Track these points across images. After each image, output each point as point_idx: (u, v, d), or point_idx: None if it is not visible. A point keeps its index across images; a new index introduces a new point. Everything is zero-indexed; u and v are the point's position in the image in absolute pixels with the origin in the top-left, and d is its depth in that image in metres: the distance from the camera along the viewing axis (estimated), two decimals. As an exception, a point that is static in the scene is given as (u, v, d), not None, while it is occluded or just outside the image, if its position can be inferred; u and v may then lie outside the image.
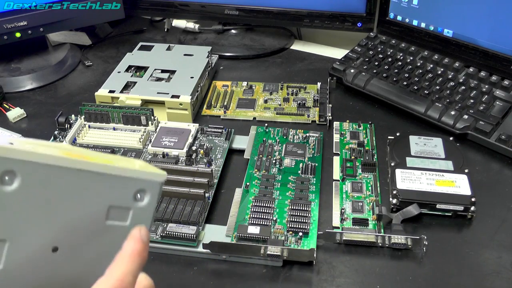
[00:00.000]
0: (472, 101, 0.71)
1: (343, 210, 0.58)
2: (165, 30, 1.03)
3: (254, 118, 0.75)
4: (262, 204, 0.57)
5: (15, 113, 0.76)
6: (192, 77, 0.76)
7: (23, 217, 0.27)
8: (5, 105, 0.77)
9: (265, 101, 0.77)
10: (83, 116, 0.70)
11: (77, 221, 0.29)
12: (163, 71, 0.79)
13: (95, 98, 0.74)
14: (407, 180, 0.59)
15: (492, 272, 0.52)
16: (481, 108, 0.70)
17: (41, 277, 0.30)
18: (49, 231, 0.29)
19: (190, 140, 0.66)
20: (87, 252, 0.31)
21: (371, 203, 0.58)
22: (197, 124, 0.69)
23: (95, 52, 0.95)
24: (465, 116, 0.69)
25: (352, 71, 0.79)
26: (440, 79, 0.76)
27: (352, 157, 0.65)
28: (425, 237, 0.52)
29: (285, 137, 0.69)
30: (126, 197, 0.31)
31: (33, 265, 0.29)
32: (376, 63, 0.80)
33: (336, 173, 0.63)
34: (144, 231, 0.32)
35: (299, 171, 0.63)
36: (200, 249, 0.53)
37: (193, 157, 0.64)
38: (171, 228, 0.54)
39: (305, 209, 0.56)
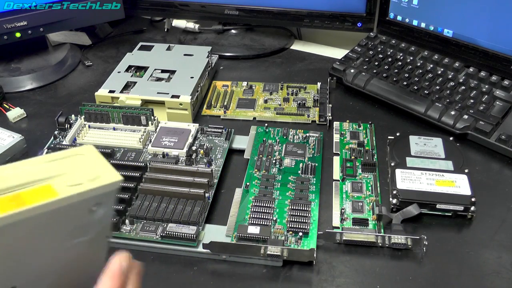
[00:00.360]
0: (472, 101, 0.71)
1: (343, 210, 0.58)
2: (165, 30, 1.03)
3: (254, 118, 0.75)
4: (262, 204, 0.57)
5: (15, 113, 0.76)
6: (192, 77, 0.76)
7: None
8: (5, 105, 0.77)
9: (265, 101, 0.77)
10: (83, 116, 0.70)
11: (32, 259, 0.27)
12: (163, 71, 0.79)
13: (95, 98, 0.74)
14: (407, 180, 0.59)
15: (492, 272, 0.52)
16: (481, 108, 0.70)
17: None
18: (4, 277, 0.26)
19: (190, 140, 0.66)
20: (51, 281, 0.29)
21: (371, 203, 0.58)
22: (197, 124, 0.69)
23: (95, 52, 0.95)
24: (465, 116, 0.69)
25: (352, 71, 0.79)
26: (440, 79, 0.76)
27: (352, 157, 0.65)
28: (425, 237, 0.52)
29: (285, 137, 0.69)
30: (81, 218, 0.28)
31: None
32: (376, 63, 0.80)
33: (336, 173, 0.63)
34: (124, 260, 0.29)
35: (299, 171, 0.63)
36: (200, 249, 0.53)
37: (193, 157, 0.64)
38: (171, 228, 0.54)
39: (305, 209, 0.56)
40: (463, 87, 0.74)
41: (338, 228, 0.56)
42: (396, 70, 0.78)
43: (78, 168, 0.27)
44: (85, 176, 0.27)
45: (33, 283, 0.28)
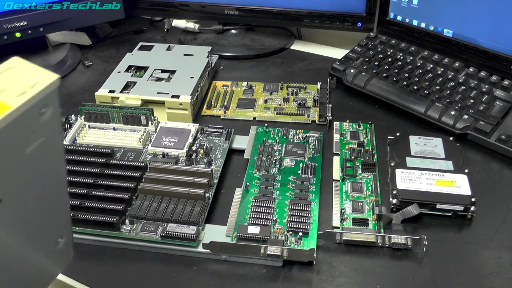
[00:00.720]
0: (472, 101, 0.71)
1: (343, 210, 0.58)
2: (165, 30, 1.03)
3: (254, 118, 0.75)
4: (262, 204, 0.57)
5: (15, 113, 0.75)
6: (192, 77, 0.76)
7: None
8: (5, 105, 0.77)
9: (265, 101, 0.77)
10: (83, 116, 0.70)
11: (5, 169, 0.29)
12: (163, 71, 0.79)
13: (95, 98, 0.74)
14: (407, 180, 0.59)
15: (492, 272, 0.52)
16: (481, 108, 0.70)
17: None
18: None
19: (190, 140, 0.66)
20: (23, 187, 0.31)
21: (371, 203, 0.58)
22: (197, 124, 0.69)
23: (95, 52, 0.95)
24: (465, 116, 0.69)
25: (352, 71, 0.79)
26: (440, 79, 0.76)
27: (352, 157, 0.65)
28: (425, 237, 0.52)
29: (285, 137, 0.69)
30: (33, 122, 0.30)
31: None
32: (376, 63, 0.80)
33: (336, 173, 0.63)
34: None
35: (299, 171, 0.63)
36: (200, 249, 0.53)
37: (193, 157, 0.64)
38: (171, 228, 0.54)
39: (305, 209, 0.56)
40: (463, 87, 0.74)
41: (338, 228, 0.56)
42: (396, 70, 0.78)
43: (16, 80, 0.29)
44: (26, 85, 0.29)
45: (13, 195, 0.30)
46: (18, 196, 0.31)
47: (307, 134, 0.69)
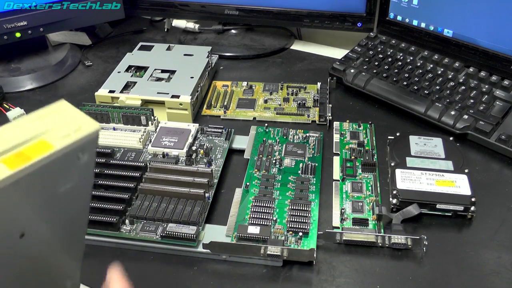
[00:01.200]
0: (472, 101, 0.71)
1: (343, 210, 0.58)
2: (165, 30, 1.03)
3: (254, 118, 0.75)
4: (262, 204, 0.57)
5: (15, 113, 0.76)
6: (192, 77, 0.76)
7: None
8: (5, 105, 0.77)
9: (265, 101, 0.77)
10: (83, 116, 0.70)
11: (36, 205, 0.30)
12: (163, 71, 0.79)
13: (95, 98, 0.74)
14: (407, 180, 0.59)
15: (492, 272, 0.52)
16: (481, 108, 0.70)
17: (14, 265, 0.31)
18: (16, 226, 0.30)
19: (190, 140, 0.66)
20: (45, 224, 0.32)
21: (371, 203, 0.58)
22: (197, 124, 0.69)
23: (95, 52, 0.95)
24: (465, 116, 0.69)
25: (352, 71, 0.79)
26: (440, 79, 0.76)
27: (352, 157, 0.65)
28: (425, 237, 0.52)
29: (285, 137, 0.69)
30: (70, 165, 0.31)
31: (5, 252, 0.30)
32: (376, 63, 0.80)
33: (336, 173, 0.63)
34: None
35: (299, 171, 0.63)
36: (200, 249, 0.53)
37: (193, 157, 0.64)
38: (171, 228, 0.54)
39: (305, 209, 0.56)
40: (463, 87, 0.74)
41: (338, 228, 0.56)
42: (396, 70, 0.78)
43: (61, 122, 0.31)
44: (70, 128, 0.30)
45: (36, 230, 0.31)
46: (39, 234, 0.32)
47: (307, 134, 0.69)
